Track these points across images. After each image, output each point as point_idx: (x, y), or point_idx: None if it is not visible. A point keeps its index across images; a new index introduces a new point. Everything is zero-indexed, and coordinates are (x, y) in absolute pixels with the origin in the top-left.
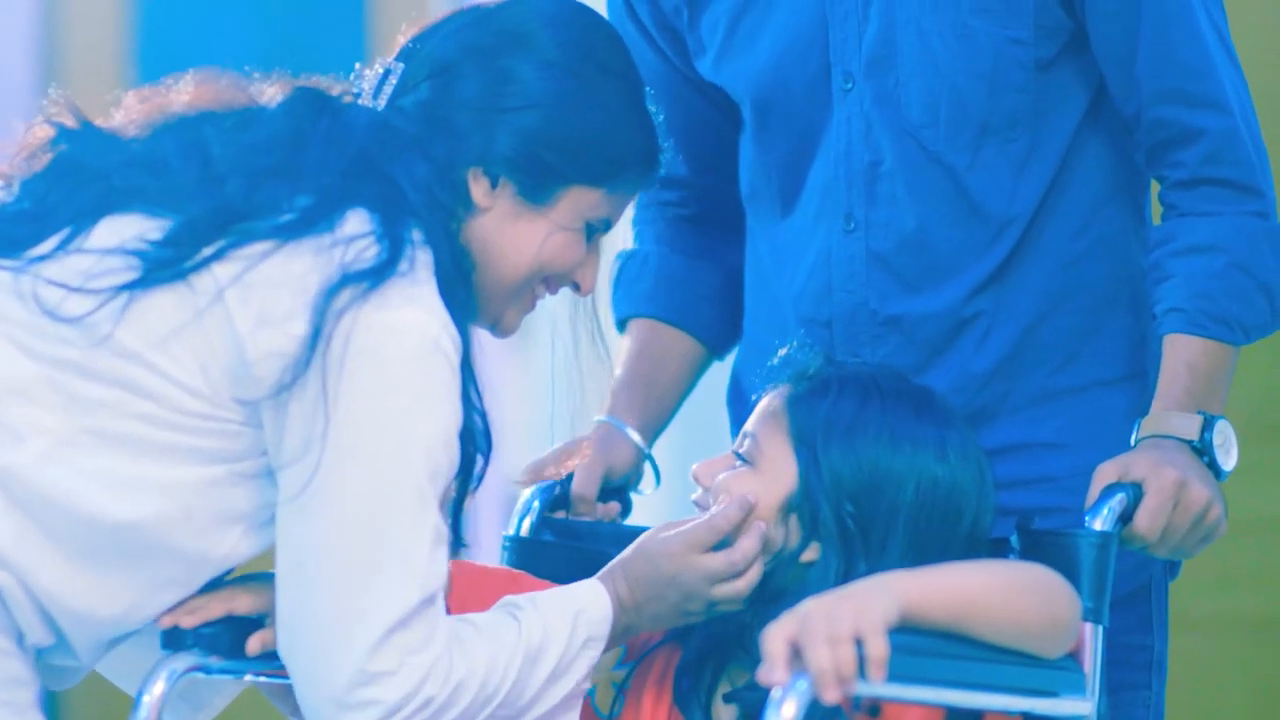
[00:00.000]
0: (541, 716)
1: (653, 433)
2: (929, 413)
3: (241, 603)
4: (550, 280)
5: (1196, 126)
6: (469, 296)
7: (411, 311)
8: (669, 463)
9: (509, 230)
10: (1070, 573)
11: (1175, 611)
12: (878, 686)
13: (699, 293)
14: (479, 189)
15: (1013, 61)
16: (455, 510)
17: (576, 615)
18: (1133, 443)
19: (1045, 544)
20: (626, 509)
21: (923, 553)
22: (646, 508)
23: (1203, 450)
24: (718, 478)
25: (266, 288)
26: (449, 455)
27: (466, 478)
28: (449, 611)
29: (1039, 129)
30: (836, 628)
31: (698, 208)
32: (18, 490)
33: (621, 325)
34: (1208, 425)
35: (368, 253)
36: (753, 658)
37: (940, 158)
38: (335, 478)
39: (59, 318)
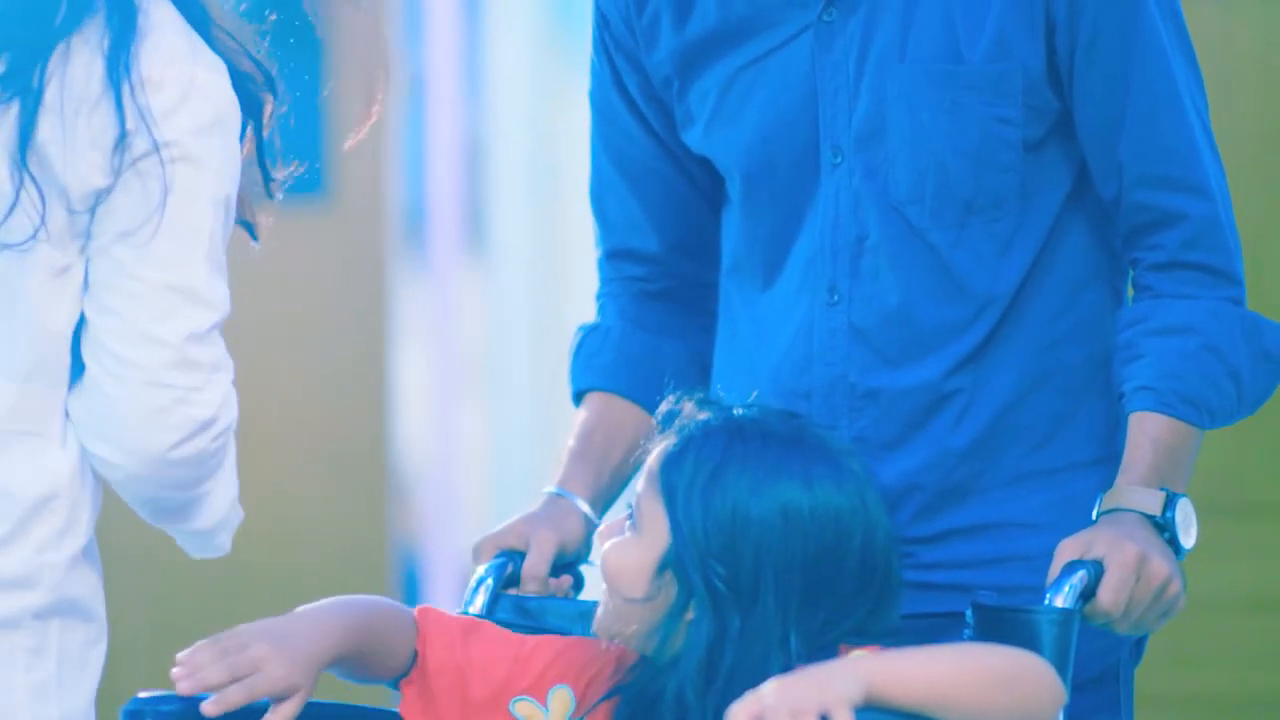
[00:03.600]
0: None
1: (604, 506)
2: (797, 447)
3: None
4: None
5: (1178, 210)
6: None
7: (184, 79)
8: None
9: None
10: (1031, 650)
11: (1135, 689)
12: None
13: (659, 369)
14: None
15: (1000, 141)
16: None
17: None
18: (1094, 516)
19: (1005, 621)
20: (579, 583)
21: (806, 589)
22: (599, 580)
23: (1164, 526)
24: (603, 547)
25: (71, 107)
26: (237, 181)
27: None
28: (418, 660)
29: (1024, 210)
30: (800, 703)
31: (664, 284)
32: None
33: (578, 398)
34: (1170, 502)
35: (109, 27)
36: (680, 700)
37: (925, 234)
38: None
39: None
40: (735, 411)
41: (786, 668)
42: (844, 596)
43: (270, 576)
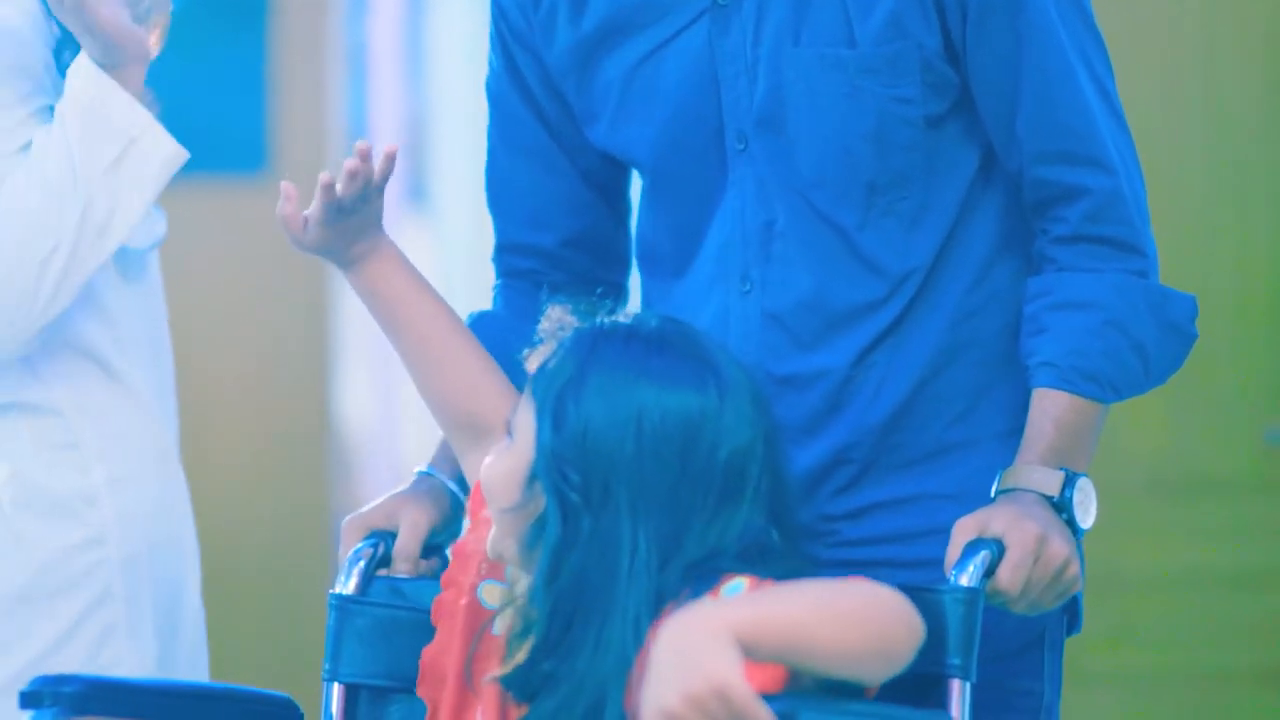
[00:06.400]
0: None
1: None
2: (662, 349)
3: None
4: None
5: (1079, 185)
6: None
7: None
8: None
9: None
10: (937, 630)
11: (1073, 666)
12: None
13: None
14: None
15: (899, 120)
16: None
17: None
18: (993, 494)
19: (910, 600)
20: (444, 564)
21: (655, 494)
22: None
23: (1061, 507)
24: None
25: None
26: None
27: None
28: None
29: (931, 185)
30: (699, 701)
31: (557, 277)
32: None
33: None
34: (1069, 482)
35: None
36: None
37: (830, 217)
38: None
39: None
40: (608, 318)
41: (636, 573)
42: (689, 503)
43: (211, 551)
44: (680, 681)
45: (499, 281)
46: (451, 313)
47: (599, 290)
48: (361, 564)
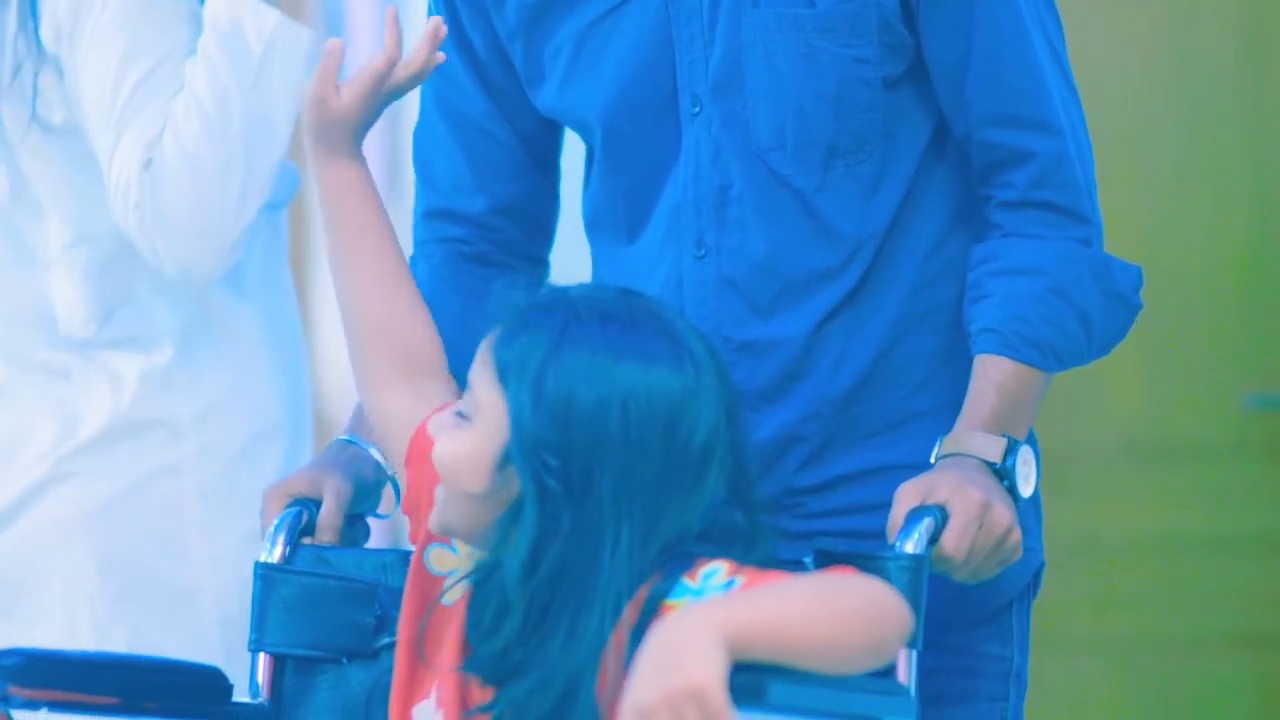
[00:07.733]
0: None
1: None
2: (635, 328)
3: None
4: None
5: (1026, 149)
6: None
7: None
8: None
9: None
10: None
11: (1049, 632)
12: None
13: (467, 333)
14: None
15: (859, 81)
16: None
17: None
18: (933, 459)
19: (855, 567)
20: (365, 533)
21: (638, 482)
22: (384, 531)
23: (1003, 474)
24: (435, 444)
25: None
26: None
27: None
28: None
29: (888, 149)
30: (674, 703)
31: (482, 248)
32: None
33: None
34: (1011, 449)
35: None
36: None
37: (789, 180)
38: None
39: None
40: (570, 291)
41: (617, 565)
42: (670, 489)
43: None
44: (663, 679)
45: (419, 250)
46: (401, 250)
47: (526, 263)
48: (286, 532)
